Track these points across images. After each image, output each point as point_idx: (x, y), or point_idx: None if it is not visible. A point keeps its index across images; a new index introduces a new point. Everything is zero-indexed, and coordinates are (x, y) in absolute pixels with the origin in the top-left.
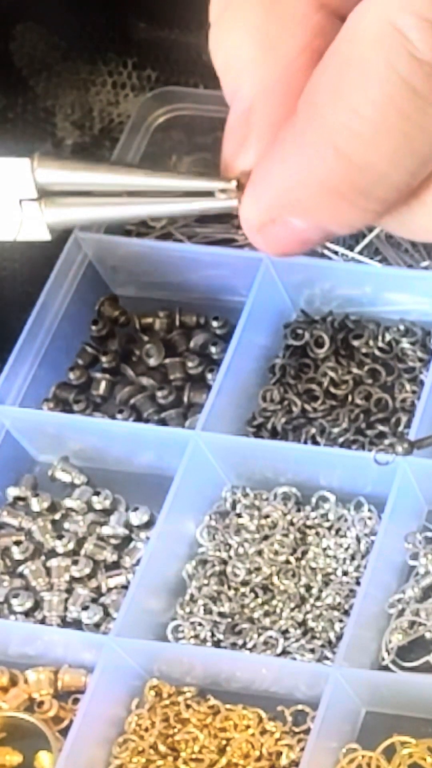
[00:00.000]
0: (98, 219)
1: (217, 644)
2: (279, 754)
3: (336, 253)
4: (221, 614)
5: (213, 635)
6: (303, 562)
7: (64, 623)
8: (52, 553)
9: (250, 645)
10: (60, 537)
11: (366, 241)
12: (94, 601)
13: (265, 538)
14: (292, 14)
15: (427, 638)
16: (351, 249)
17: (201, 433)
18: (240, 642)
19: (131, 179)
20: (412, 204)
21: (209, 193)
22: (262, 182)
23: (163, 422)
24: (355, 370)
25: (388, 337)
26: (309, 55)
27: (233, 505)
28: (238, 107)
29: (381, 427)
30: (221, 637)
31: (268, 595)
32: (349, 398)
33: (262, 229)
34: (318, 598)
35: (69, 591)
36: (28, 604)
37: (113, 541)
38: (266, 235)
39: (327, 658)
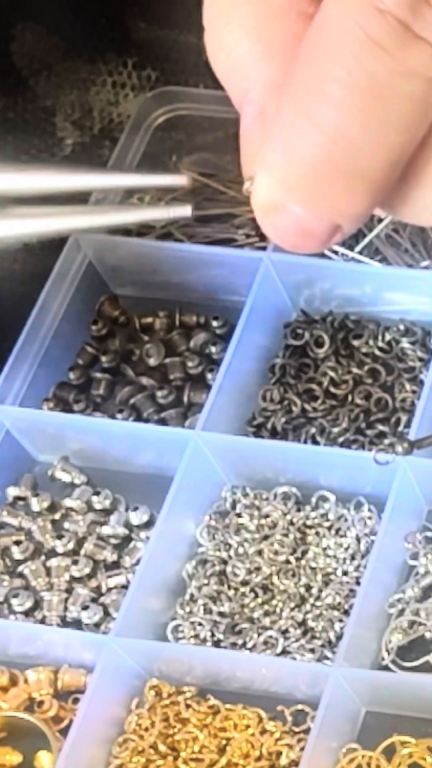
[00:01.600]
0: (48, 234)
1: (217, 644)
2: (279, 754)
3: (336, 252)
4: (221, 614)
5: (213, 635)
6: (303, 562)
7: (64, 623)
8: (52, 553)
9: (250, 645)
10: (60, 537)
11: (366, 241)
12: (94, 600)
13: (265, 538)
14: (286, 8)
15: (427, 638)
16: (351, 249)
17: (201, 432)
18: (240, 642)
19: (83, 180)
20: (416, 184)
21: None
22: (262, 169)
23: (163, 422)
24: (355, 370)
25: (388, 337)
26: None
27: (233, 505)
28: (250, 111)
29: (381, 427)
30: (221, 636)
31: (268, 595)
32: (349, 398)
33: (268, 216)
34: (318, 598)
35: (69, 591)
36: (28, 604)
37: (113, 540)
38: (272, 223)
39: (327, 658)
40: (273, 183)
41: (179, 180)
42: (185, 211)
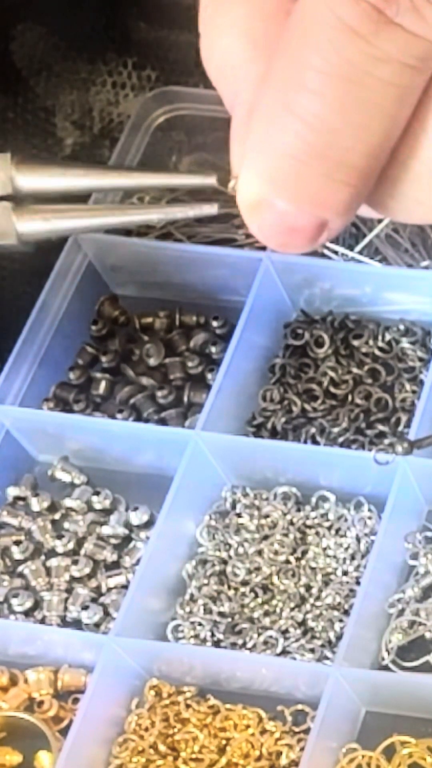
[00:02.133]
0: (72, 230)
1: (217, 644)
2: (279, 754)
3: (336, 253)
4: (221, 614)
5: (213, 635)
6: (303, 562)
7: (64, 623)
8: (52, 553)
9: (250, 645)
10: (60, 537)
11: (366, 241)
12: (94, 600)
13: (265, 537)
14: (276, 9)
15: (427, 638)
16: (351, 249)
17: (201, 432)
18: (240, 642)
19: (121, 180)
20: (397, 174)
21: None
22: (245, 165)
23: (163, 422)
24: (355, 370)
25: (388, 337)
26: None
27: (233, 505)
28: (240, 112)
29: (381, 427)
30: (221, 636)
31: (268, 595)
32: (349, 398)
33: (253, 215)
34: (318, 598)
35: (69, 591)
36: (28, 604)
37: (113, 540)
38: (257, 221)
39: (327, 658)
40: (255, 178)
41: (208, 180)
42: (212, 209)
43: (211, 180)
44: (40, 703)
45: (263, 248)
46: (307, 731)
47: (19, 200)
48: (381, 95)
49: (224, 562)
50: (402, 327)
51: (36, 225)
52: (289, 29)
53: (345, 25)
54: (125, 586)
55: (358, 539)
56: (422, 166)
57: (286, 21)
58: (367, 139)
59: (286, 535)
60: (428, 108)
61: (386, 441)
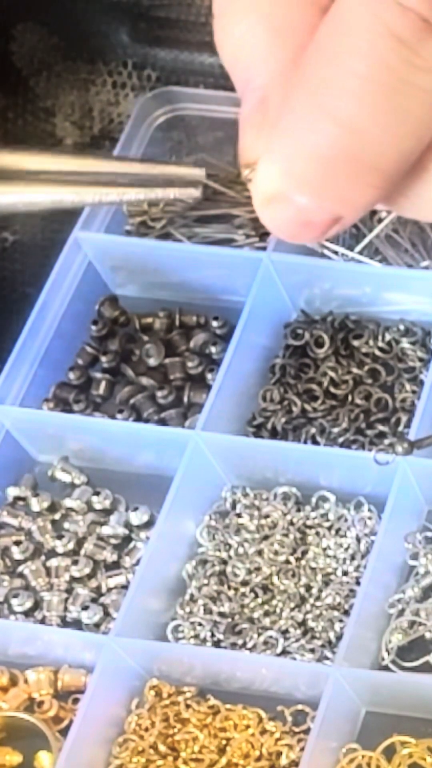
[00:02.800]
0: (42, 202)
1: (217, 644)
2: (279, 754)
3: (336, 253)
4: (221, 614)
5: (213, 635)
6: (303, 562)
7: (64, 623)
8: (52, 553)
9: (250, 645)
10: (60, 537)
11: (366, 241)
12: (94, 601)
13: (265, 538)
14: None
15: (427, 638)
16: (351, 249)
17: (201, 433)
18: (240, 642)
19: (91, 166)
20: (420, 178)
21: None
22: (267, 157)
23: (163, 422)
24: (355, 370)
25: (388, 337)
26: None
27: (233, 505)
28: (252, 98)
29: (381, 427)
30: (221, 637)
31: (268, 595)
32: (349, 398)
33: (269, 206)
34: (318, 598)
35: (69, 591)
36: (28, 604)
37: (113, 541)
38: (272, 212)
39: (327, 658)
40: (279, 172)
41: (195, 173)
42: (196, 192)
43: (200, 173)
44: (40, 703)
45: (263, 248)
46: (307, 731)
47: None
48: (419, 104)
49: (224, 562)
50: (402, 327)
51: (7, 197)
52: (328, 30)
53: (390, 32)
54: (125, 586)
55: (358, 539)
56: None
57: (310, 11)
58: (401, 145)
59: (286, 535)
60: None
61: (386, 441)
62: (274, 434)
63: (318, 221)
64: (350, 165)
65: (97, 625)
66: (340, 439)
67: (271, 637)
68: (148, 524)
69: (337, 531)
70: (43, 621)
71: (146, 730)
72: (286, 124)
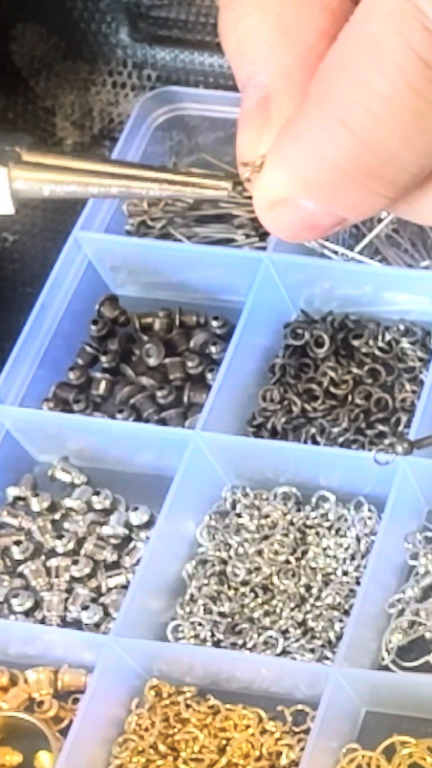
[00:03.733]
0: (68, 188)
1: (217, 644)
2: (279, 754)
3: (336, 253)
4: (221, 614)
5: (213, 635)
6: (303, 562)
7: (64, 623)
8: (52, 553)
9: (250, 645)
10: (60, 537)
11: (366, 241)
12: (94, 601)
13: (265, 538)
14: (310, 2)
15: (427, 638)
16: (351, 249)
17: (201, 433)
18: (240, 642)
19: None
20: (427, 188)
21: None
22: (275, 162)
23: (163, 422)
24: (355, 370)
25: (388, 337)
26: (329, 41)
27: (233, 505)
28: (254, 94)
29: (381, 427)
30: (221, 637)
31: (268, 595)
32: (349, 398)
33: (273, 209)
34: (318, 598)
35: (69, 591)
36: (28, 604)
37: (113, 541)
38: (276, 215)
39: (327, 658)
40: (288, 178)
41: (223, 186)
42: (223, 193)
43: (227, 185)
44: (40, 703)
45: (263, 248)
46: (307, 731)
47: (20, 163)
48: None
49: (224, 562)
50: (402, 327)
51: (34, 185)
52: (350, 43)
53: (416, 54)
54: (125, 586)
55: (358, 539)
56: None
57: (320, 14)
58: (419, 162)
59: (286, 535)
60: None
61: (386, 441)
62: (274, 434)
63: (322, 224)
64: (365, 178)
65: (97, 625)
66: (340, 439)
67: (271, 637)
68: (148, 524)
69: (337, 531)
70: (43, 621)
71: (146, 730)
72: (300, 131)
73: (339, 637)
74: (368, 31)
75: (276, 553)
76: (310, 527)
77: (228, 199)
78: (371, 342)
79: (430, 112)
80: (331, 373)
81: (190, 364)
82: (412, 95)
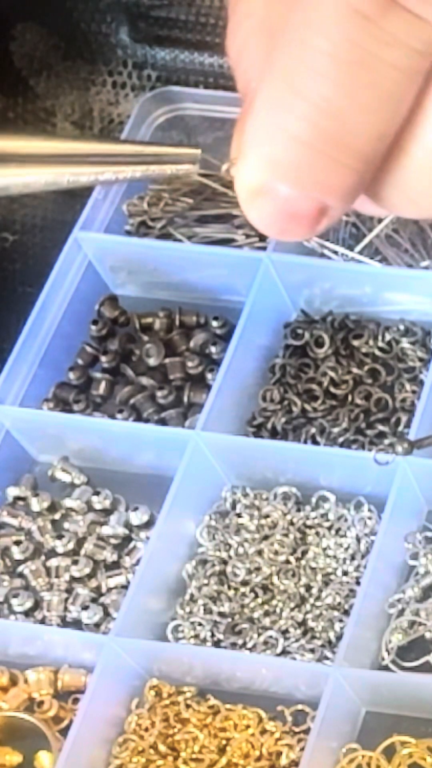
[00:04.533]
0: (37, 181)
1: (217, 644)
2: (279, 754)
3: (336, 253)
4: (221, 614)
5: (213, 635)
6: (303, 562)
7: (64, 623)
8: (52, 553)
9: (250, 645)
10: (60, 537)
11: (366, 241)
12: (94, 601)
13: (265, 538)
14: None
15: (427, 638)
16: (351, 249)
17: (201, 433)
18: (240, 642)
19: (89, 147)
20: (400, 162)
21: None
22: (245, 149)
23: (163, 422)
24: (355, 370)
25: (388, 337)
26: None
27: (233, 505)
28: (248, 101)
29: (381, 427)
30: (221, 637)
31: (268, 595)
32: (349, 398)
33: (253, 202)
34: (318, 598)
35: (69, 591)
36: (28, 604)
37: (113, 541)
38: (258, 208)
39: (327, 658)
40: (257, 162)
41: (190, 152)
42: (192, 168)
43: (195, 151)
44: (40, 703)
45: (263, 248)
46: (307, 731)
47: None
48: (388, 78)
49: (224, 562)
50: (402, 327)
51: (0, 180)
52: (294, 13)
53: (353, 8)
54: (125, 586)
55: (358, 539)
56: (425, 152)
57: None
58: (374, 122)
59: (286, 535)
60: (430, 93)
61: (386, 441)
62: (274, 434)
63: (304, 212)
64: (327, 146)
65: (97, 625)
66: (340, 439)
67: (271, 637)
68: (148, 524)
69: (337, 531)
70: (43, 621)
71: (146, 730)
72: (260, 110)
73: (339, 637)
74: None
75: (276, 553)
76: (310, 527)
77: (198, 177)
78: (371, 342)
79: (376, 66)
80: (331, 373)
81: (190, 364)
82: (354, 51)
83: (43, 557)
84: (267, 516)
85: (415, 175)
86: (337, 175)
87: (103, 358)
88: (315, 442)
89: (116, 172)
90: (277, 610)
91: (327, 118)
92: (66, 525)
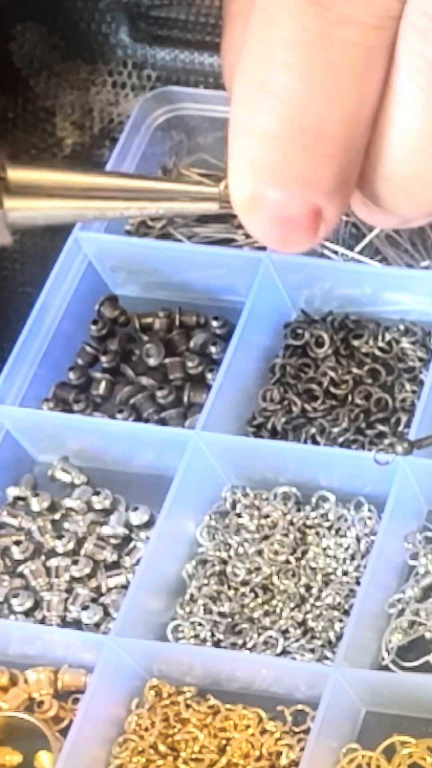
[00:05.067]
0: (64, 215)
1: (217, 644)
2: (279, 754)
3: (336, 253)
4: (221, 614)
5: (213, 635)
6: (303, 562)
7: (64, 623)
8: (52, 553)
9: (250, 645)
10: (60, 537)
11: (366, 241)
12: (94, 601)
13: (265, 538)
14: None
15: (427, 638)
16: (351, 249)
17: (201, 433)
18: (240, 642)
19: (110, 181)
20: (381, 149)
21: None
22: (231, 161)
23: (163, 422)
24: (355, 370)
25: (388, 337)
26: None
27: (233, 505)
28: None
29: (381, 427)
30: (221, 637)
31: (268, 595)
32: (349, 398)
33: (249, 215)
34: (318, 598)
35: (69, 591)
36: (28, 604)
37: (113, 541)
38: (254, 219)
39: (327, 658)
40: (242, 169)
41: (209, 190)
42: (213, 206)
43: (213, 190)
44: (40, 703)
45: (263, 248)
46: (307, 731)
47: (10, 192)
48: (348, 58)
49: (224, 562)
50: (402, 327)
51: (27, 213)
52: (255, 9)
53: None
54: (125, 586)
55: (358, 539)
56: (401, 134)
57: None
58: (342, 105)
59: (286, 535)
60: (397, 71)
61: (386, 441)
62: (274, 434)
63: (297, 215)
64: (300, 137)
65: (97, 625)
66: (340, 439)
67: (271, 637)
68: (148, 524)
69: (337, 531)
70: (43, 621)
71: (146, 730)
72: (234, 112)
73: (339, 637)
74: None
75: (276, 553)
76: (310, 527)
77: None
78: (371, 342)
79: (331, 46)
80: (331, 373)
81: (190, 364)
82: (309, 34)
83: (43, 557)
84: (267, 516)
85: (398, 160)
86: (317, 166)
87: (103, 358)
88: (315, 442)
89: (141, 209)
90: (277, 610)
91: (295, 108)
92: (66, 525)
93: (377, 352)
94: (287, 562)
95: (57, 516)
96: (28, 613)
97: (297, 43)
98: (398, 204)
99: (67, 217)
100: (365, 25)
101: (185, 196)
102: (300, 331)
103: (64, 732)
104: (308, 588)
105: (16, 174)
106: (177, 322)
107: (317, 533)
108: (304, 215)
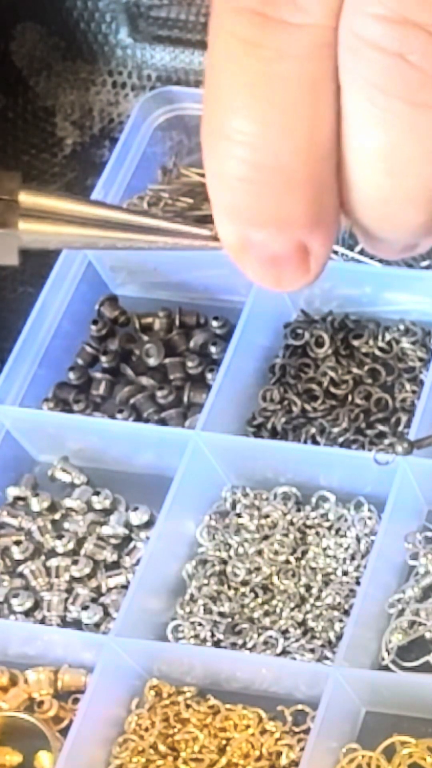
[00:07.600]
0: (76, 242)
1: (217, 644)
2: (279, 754)
3: (336, 253)
4: (221, 614)
5: (213, 635)
6: (303, 562)
7: (64, 623)
8: (52, 553)
9: (250, 645)
10: (60, 537)
11: None
12: (94, 601)
13: (265, 538)
14: None
15: (427, 638)
16: (351, 249)
17: (201, 433)
18: (240, 642)
19: (117, 216)
20: (349, 176)
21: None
22: (214, 209)
23: (163, 422)
24: (355, 370)
25: (388, 337)
26: None
27: (233, 505)
28: None
29: (381, 427)
30: (221, 637)
31: (268, 595)
32: (349, 398)
33: (242, 260)
34: (318, 598)
35: (69, 591)
36: (28, 604)
37: (113, 540)
38: (247, 263)
39: (327, 658)
40: (224, 216)
41: (202, 233)
42: (217, 245)
43: (206, 232)
44: (40, 703)
45: None
46: (307, 731)
47: (23, 215)
48: (290, 92)
49: (224, 562)
50: (402, 327)
51: (40, 237)
52: (205, 56)
53: (237, 37)
54: (125, 586)
55: (358, 539)
56: (360, 156)
57: None
58: (295, 139)
59: (286, 535)
60: (343, 96)
61: (386, 441)
62: (274, 434)
63: (283, 253)
64: (264, 176)
65: (97, 625)
66: (340, 439)
67: (271, 637)
68: (148, 524)
69: (337, 531)
70: (43, 621)
71: (146, 730)
72: (207, 165)
73: (339, 637)
74: (210, 34)
75: (276, 553)
76: (310, 527)
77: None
78: (371, 342)
79: (274, 84)
80: (331, 373)
81: (190, 364)
82: (251, 75)
83: (43, 557)
84: (267, 516)
85: (366, 184)
86: (288, 202)
87: (103, 358)
88: (315, 442)
89: (149, 242)
90: (277, 610)
91: (252, 150)
92: (66, 525)
93: (377, 352)
94: (287, 562)
95: (57, 516)
96: (28, 613)
97: (240, 86)
98: (382, 228)
99: (79, 244)
100: (300, 57)
101: (185, 235)
102: (300, 331)
103: (64, 732)
104: (308, 588)
105: (28, 199)
106: (177, 322)
107: (317, 533)
108: (291, 252)
